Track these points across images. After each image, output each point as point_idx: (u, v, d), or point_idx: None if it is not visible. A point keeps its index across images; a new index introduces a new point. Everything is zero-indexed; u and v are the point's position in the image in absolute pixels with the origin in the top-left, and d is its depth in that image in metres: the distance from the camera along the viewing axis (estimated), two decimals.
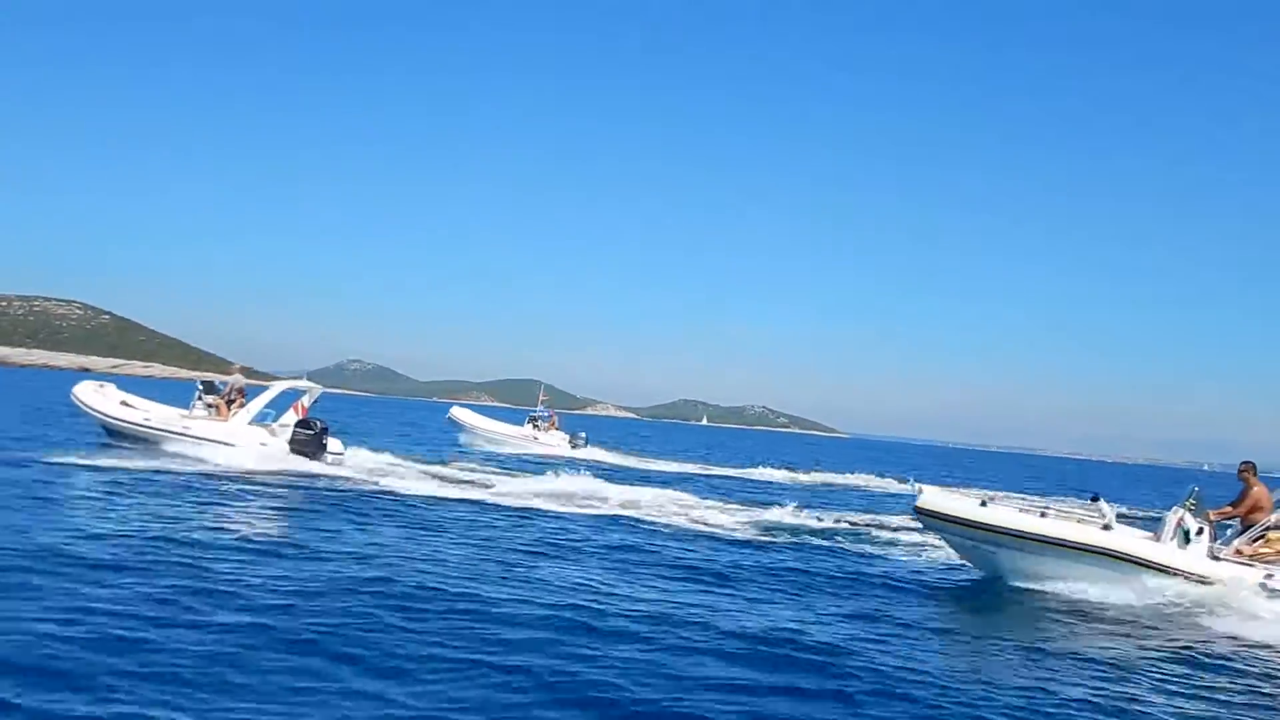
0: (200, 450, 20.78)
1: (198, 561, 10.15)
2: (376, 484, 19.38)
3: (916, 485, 13.95)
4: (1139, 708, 7.81)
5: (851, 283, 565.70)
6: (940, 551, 15.10)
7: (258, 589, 9.10)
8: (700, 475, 33.86)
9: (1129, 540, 12.63)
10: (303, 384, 23.31)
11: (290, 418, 22.35)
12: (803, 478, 37.08)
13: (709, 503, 21.92)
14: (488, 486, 21.18)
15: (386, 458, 24.95)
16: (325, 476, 19.87)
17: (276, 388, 22.98)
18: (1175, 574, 12.13)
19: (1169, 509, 13.03)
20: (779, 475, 36.95)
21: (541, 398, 43.52)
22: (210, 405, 22.43)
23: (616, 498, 21.25)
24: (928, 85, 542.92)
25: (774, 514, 20.19)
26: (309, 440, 21.49)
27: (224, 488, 16.74)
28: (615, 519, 17.36)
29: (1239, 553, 12.39)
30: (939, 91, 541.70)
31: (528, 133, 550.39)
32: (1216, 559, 12.31)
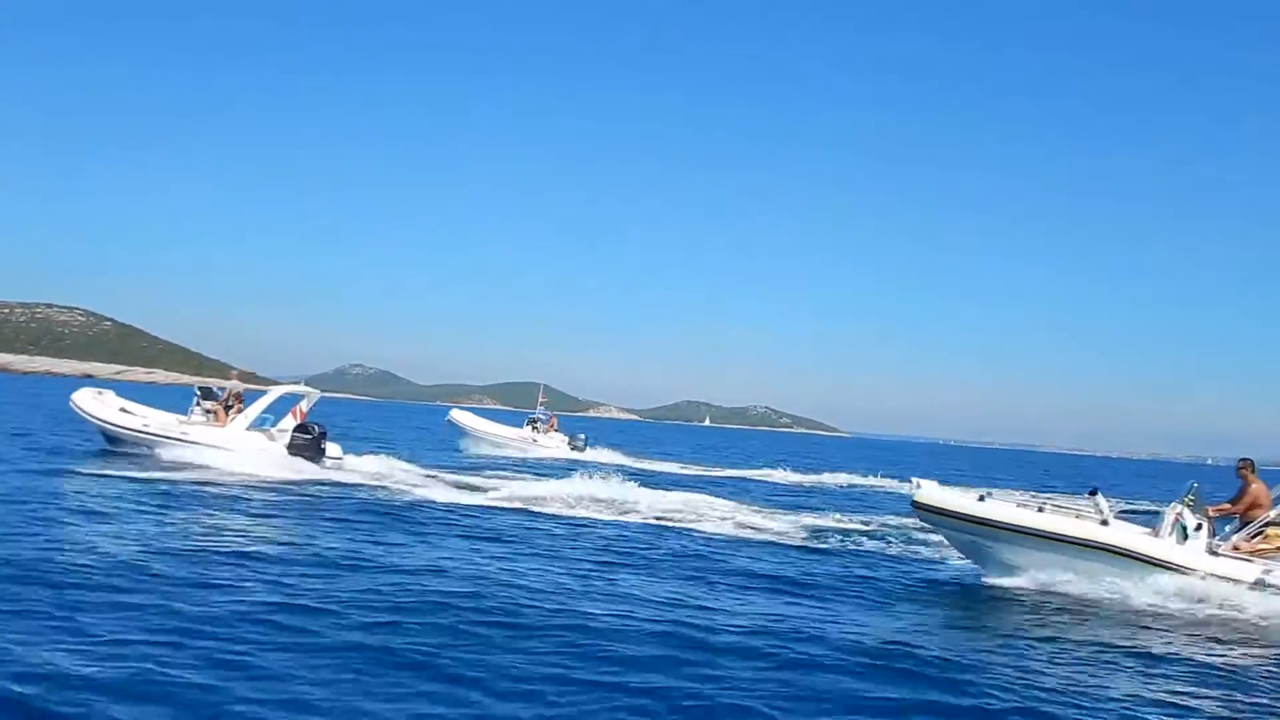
0: (198, 456, 20.68)
1: (280, 577, 9.96)
2: (412, 493, 19.15)
3: (915, 480, 13.75)
4: (1136, 705, 7.73)
5: (852, 282, 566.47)
6: None
7: (351, 605, 8.90)
8: (718, 477, 33.69)
9: (1127, 535, 12.57)
10: (300, 389, 23.29)
11: (289, 422, 22.32)
12: (826, 479, 36.84)
13: (746, 507, 21.74)
14: (525, 494, 20.95)
15: (409, 465, 24.79)
16: (365, 486, 19.69)
17: (274, 393, 22.97)
18: (1173, 569, 12.07)
19: (1168, 504, 12.98)
20: (797, 478, 36.77)
21: (540, 400, 43.40)
22: (209, 411, 22.47)
23: (650, 503, 21.07)
24: (928, 85, 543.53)
25: (812, 519, 20.12)
26: (307, 445, 21.47)
27: (270, 499, 16.58)
28: (664, 526, 17.13)
29: (1236, 549, 12.36)
30: (939, 91, 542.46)
31: (528, 133, 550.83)
32: (1215, 555, 12.27)
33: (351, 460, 23.84)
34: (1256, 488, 12.78)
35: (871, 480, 37.73)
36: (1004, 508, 13.08)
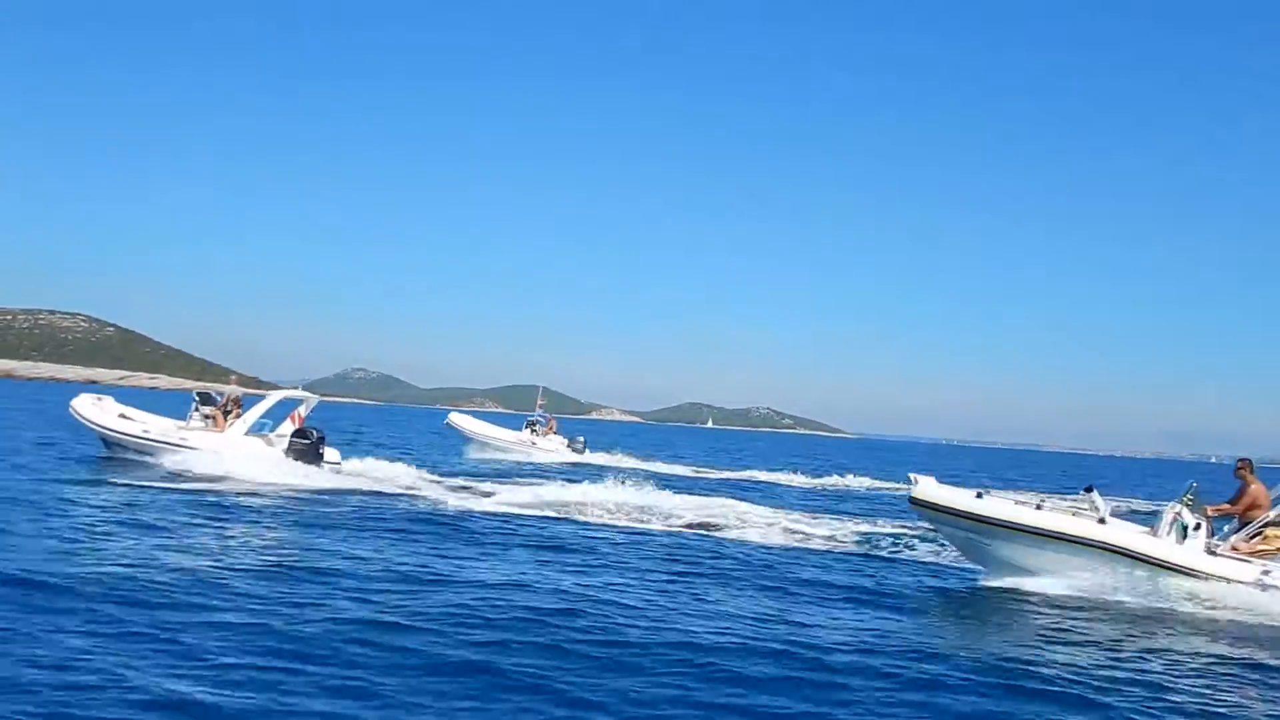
0: (197, 461, 20.50)
1: (364, 593, 9.75)
2: (451, 502, 18.88)
3: (913, 477, 13.59)
4: (1132, 703, 7.68)
5: (852, 282, 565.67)
6: None
7: (447, 623, 8.69)
8: (738, 481, 33.51)
9: (1125, 534, 12.50)
10: (299, 393, 23.24)
11: (287, 427, 22.24)
12: (850, 482, 36.60)
13: (783, 512, 21.62)
14: (561, 499, 20.77)
15: (430, 475, 24.50)
16: (403, 496, 19.48)
17: (273, 398, 22.90)
18: (1171, 569, 11.99)
19: (1167, 503, 12.93)
20: (819, 480, 36.58)
21: (539, 402, 43.28)
22: (207, 416, 22.41)
23: (687, 508, 20.92)
24: (928, 85, 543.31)
25: (854, 523, 20.01)
26: (306, 450, 21.38)
27: (318, 510, 16.36)
28: (715, 534, 16.88)
29: (1235, 549, 12.29)
30: (939, 91, 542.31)
31: (528, 135, 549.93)
32: (1213, 555, 12.20)
33: (369, 465, 23.78)
34: (1255, 488, 12.75)
35: (894, 484, 37.60)
36: (1001, 505, 13.03)
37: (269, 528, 14.06)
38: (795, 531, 18.07)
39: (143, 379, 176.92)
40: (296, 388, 24.10)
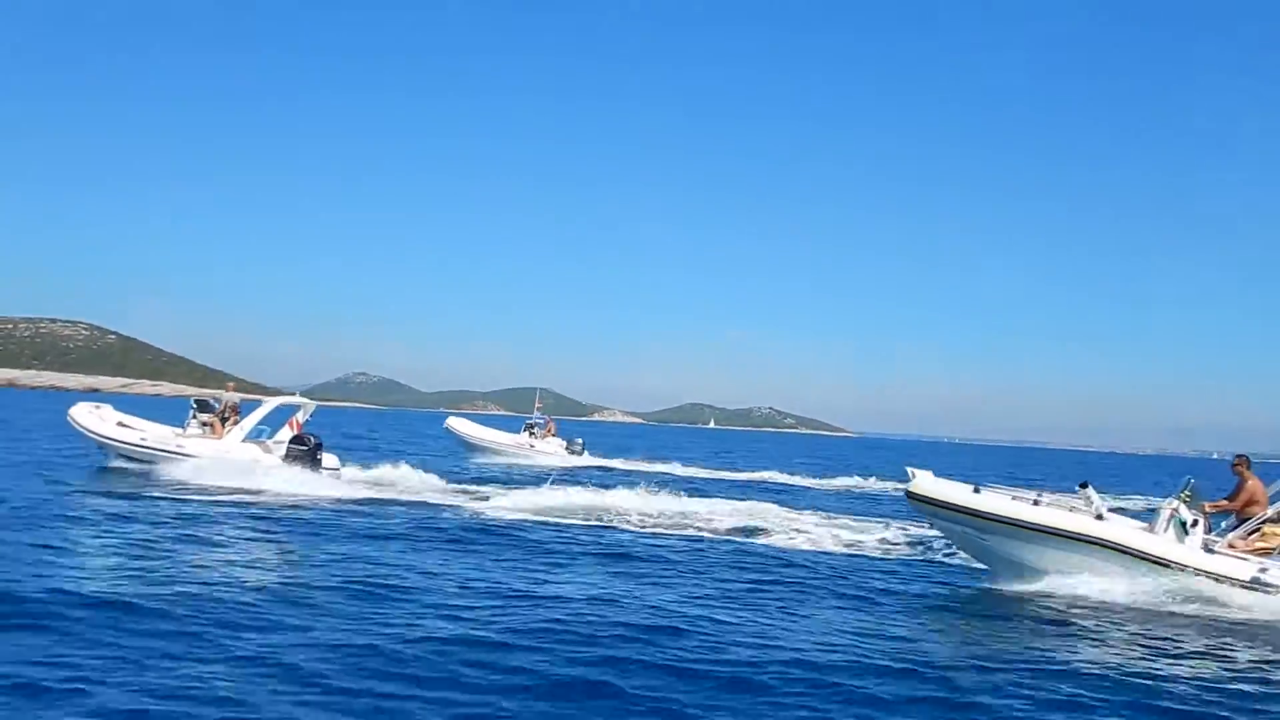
0: (196, 468, 20.37)
1: (451, 611, 9.53)
2: (494, 511, 18.59)
3: (911, 470, 13.43)
4: (1130, 703, 7.66)
5: (853, 282, 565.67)
6: None
7: (549, 639, 8.48)
8: (761, 483, 33.39)
9: (1122, 530, 12.42)
10: (296, 399, 23.22)
11: (285, 433, 22.17)
12: (873, 485, 36.36)
13: (822, 515, 21.48)
14: (598, 505, 20.60)
15: (451, 483, 24.25)
16: (441, 506, 19.23)
17: (270, 404, 22.88)
18: (1168, 566, 11.92)
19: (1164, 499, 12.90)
20: (843, 481, 36.40)
21: (537, 405, 43.18)
22: (205, 423, 22.39)
23: (725, 513, 20.77)
24: (929, 84, 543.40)
25: (900, 527, 19.80)
26: (303, 455, 21.36)
27: (366, 522, 16.09)
28: (771, 542, 16.60)
29: (1232, 546, 12.23)
30: (940, 91, 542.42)
31: (528, 136, 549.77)
32: (1211, 552, 12.13)
33: (385, 473, 23.74)
34: (1252, 484, 12.71)
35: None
36: (998, 500, 12.93)
37: (327, 541, 13.81)
38: (846, 538, 17.82)
39: (145, 386, 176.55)
40: (294, 394, 24.09)
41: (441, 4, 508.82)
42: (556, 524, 17.28)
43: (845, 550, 16.08)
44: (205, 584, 10.03)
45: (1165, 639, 10.16)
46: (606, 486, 25.99)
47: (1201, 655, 9.55)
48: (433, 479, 23.91)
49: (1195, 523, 12.18)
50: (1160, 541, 12.11)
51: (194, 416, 22.61)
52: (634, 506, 21.24)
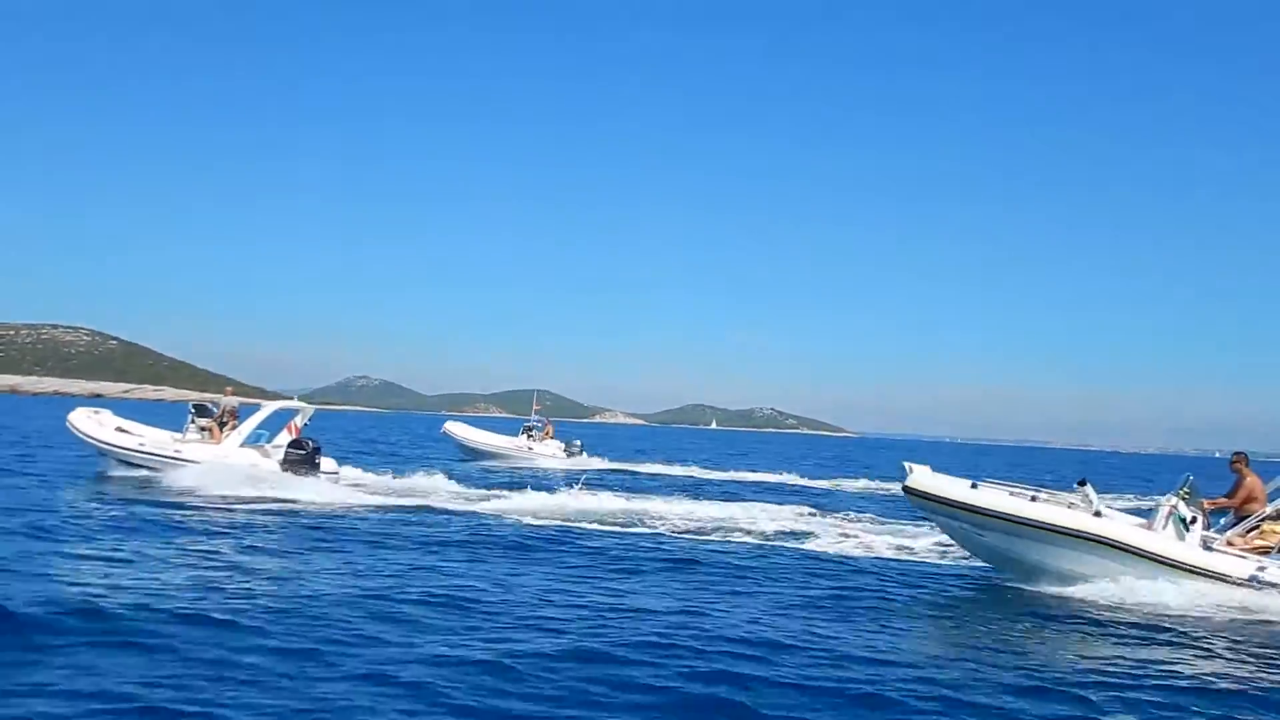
0: (195, 473, 20.22)
1: (543, 624, 9.27)
2: (527, 517, 18.32)
3: (908, 465, 13.36)
4: (1125, 700, 7.64)
5: (853, 282, 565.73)
6: None
7: (655, 654, 8.26)
8: (780, 485, 33.27)
9: (1120, 528, 12.36)
10: (295, 404, 23.14)
11: (283, 438, 22.07)
12: (894, 487, 36.09)
13: (867, 519, 21.30)
14: (643, 511, 20.46)
15: (475, 488, 23.99)
16: (489, 514, 18.96)
17: (268, 408, 22.78)
18: (1165, 563, 11.84)
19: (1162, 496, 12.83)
20: (865, 483, 36.17)
21: (535, 407, 42.92)
22: (203, 428, 22.35)
23: (765, 518, 20.59)
24: (928, 82, 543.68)
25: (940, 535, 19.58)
26: (301, 460, 21.29)
27: (416, 531, 15.84)
28: (825, 548, 16.29)
29: (1230, 544, 12.15)
30: (940, 89, 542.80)
31: (528, 137, 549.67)
32: (1209, 549, 12.05)
33: (422, 481, 23.60)
34: (1251, 481, 12.64)
35: None
36: (996, 496, 12.86)
37: (386, 550, 13.55)
38: (893, 541, 17.56)
39: (148, 391, 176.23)
40: (292, 398, 24.02)
41: (445, 13, 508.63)
42: (606, 530, 17.08)
43: (904, 556, 15.79)
44: (287, 597, 9.80)
45: (1164, 637, 10.14)
46: (632, 490, 25.86)
47: (1200, 653, 9.53)
48: (457, 485, 23.70)
49: (1194, 520, 12.14)
50: (1159, 539, 12.08)
51: (192, 421, 22.56)
52: (670, 511, 21.07)
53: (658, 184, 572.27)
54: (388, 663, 7.57)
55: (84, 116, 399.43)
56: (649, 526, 18.10)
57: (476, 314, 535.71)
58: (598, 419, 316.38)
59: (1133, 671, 8.62)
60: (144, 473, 21.06)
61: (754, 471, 39.27)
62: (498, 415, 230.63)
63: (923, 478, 13.13)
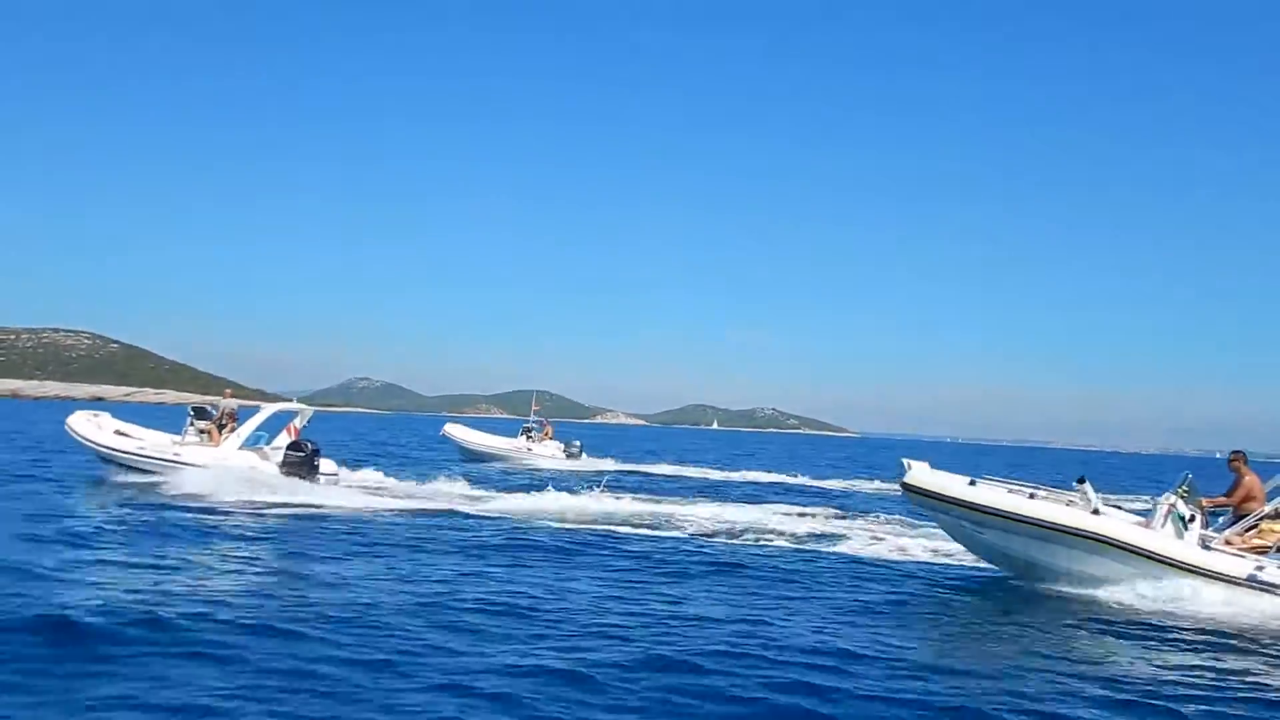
0: (194, 476, 20.09)
1: (608, 632, 9.14)
2: (558, 521, 18.20)
3: (906, 461, 13.37)
4: (1123, 699, 7.63)
5: (853, 281, 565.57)
6: None
7: (729, 663, 8.09)
8: (795, 486, 33.11)
9: (1118, 526, 12.29)
10: (294, 406, 23.09)
11: (282, 440, 21.98)
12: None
13: (899, 522, 21.04)
14: (669, 514, 20.32)
15: (470, 487, 23.96)
16: (520, 516, 18.84)
17: (267, 410, 22.67)
18: (1164, 562, 11.79)
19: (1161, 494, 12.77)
20: (877, 485, 36.06)
21: (534, 408, 42.85)
22: (202, 431, 22.31)
23: (792, 520, 20.46)
24: (928, 81, 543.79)
25: None
26: (300, 462, 21.16)
27: (452, 536, 15.71)
28: (867, 553, 16.13)
29: (1229, 543, 12.09)
30: (941, 87, 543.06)
31: (528, 138, 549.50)
32: (1208, 548, 11.99)
33: (444, 486, 23.52)
34: (1249, 480, 12.60)
35: None
36: (994, 493, 12.80)
37: (428, 555, 13.39)
38: (927, 544, 17.37)
39: (149, 394, 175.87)
40: (291, 399, 23.94)
41: (446, 15, 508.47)
42: (641, 534, 16.93)
43: (944, 560, 15.59)
44: (345, 604, 9.65)
45: (1162, 636, 10.12)
46: (651, 492, 25.73)
47: (1198, 653, 9.50)
48: (480, 490, 23.52)
49: (1193, 518, 12.09)
50: (1157, 537, 12.03)
51: (191, 424, 22.51)
52: (696, 513, 20.93)
53: (658, 184, 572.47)
54: (463, 672, 7.44)
55: (84, 116, 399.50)
56: (679, 529, 17.97)
57: (476, 314, 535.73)
58: (598, 419, 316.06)
59: (1130, 669, 8.63)
60: (144, 477, 20.83)
61: (767, 472, 39.11)
62: (498, 416, 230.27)
63: (921, 474, 13.08)
